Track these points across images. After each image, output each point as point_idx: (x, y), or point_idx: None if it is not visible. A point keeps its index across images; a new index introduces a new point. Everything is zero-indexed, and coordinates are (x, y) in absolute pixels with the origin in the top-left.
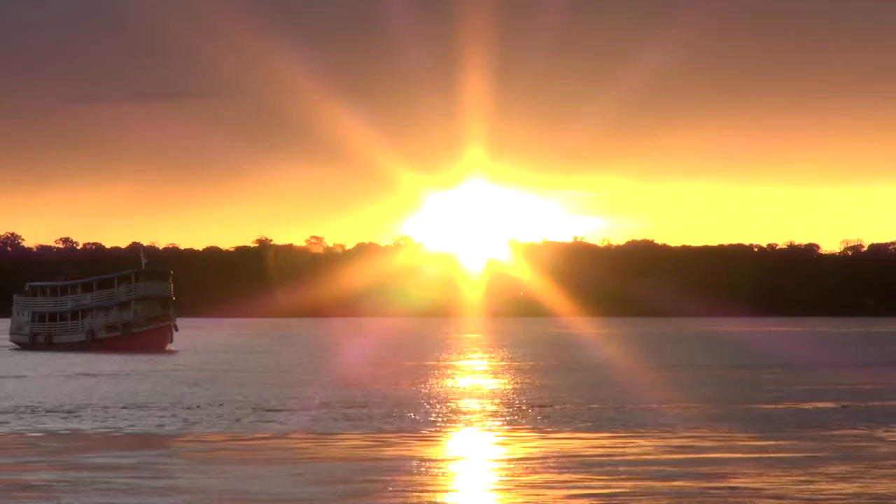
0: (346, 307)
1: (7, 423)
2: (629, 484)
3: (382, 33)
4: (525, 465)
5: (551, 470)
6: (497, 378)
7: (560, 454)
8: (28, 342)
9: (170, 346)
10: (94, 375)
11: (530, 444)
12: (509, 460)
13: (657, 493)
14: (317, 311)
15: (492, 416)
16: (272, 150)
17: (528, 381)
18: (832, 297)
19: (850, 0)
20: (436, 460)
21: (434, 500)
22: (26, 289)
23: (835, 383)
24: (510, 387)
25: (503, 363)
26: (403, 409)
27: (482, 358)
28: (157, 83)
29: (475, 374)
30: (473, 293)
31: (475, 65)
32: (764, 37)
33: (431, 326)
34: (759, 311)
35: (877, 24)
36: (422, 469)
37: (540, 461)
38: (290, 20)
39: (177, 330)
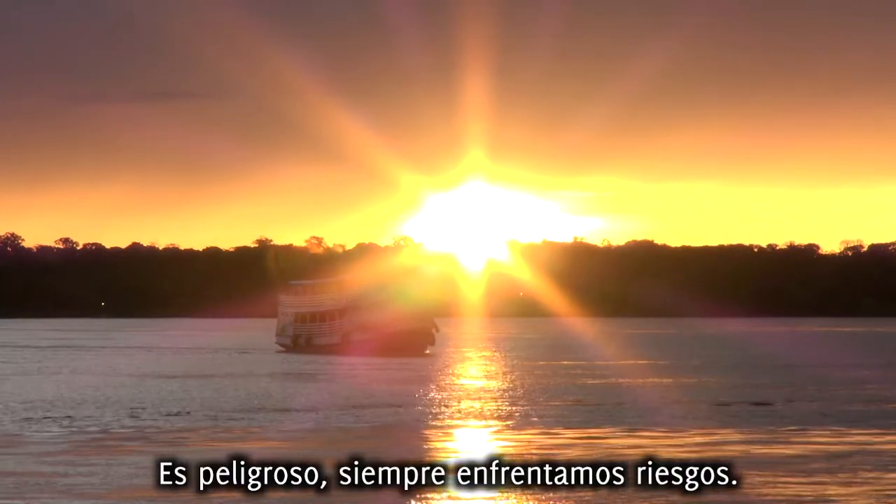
0: None
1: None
2: None
3: (382, 33)
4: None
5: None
6: (695, 380)
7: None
8: (290, 344)
9: (429, 350)
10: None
11: (822, 442)
12: (811, 456)
13: None
14: None
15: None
16: (272, 150)
17: (720, 382)
18: (832, 297)
19: (850, 0)
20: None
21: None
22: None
23: None
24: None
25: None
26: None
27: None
28: (157, 83)
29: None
30: (473, 293)
31: (475, 65)
32: (764, 37)
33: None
34: (759, 311)
35: (877, 24)
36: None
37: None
38: (290, 20)
39: (437, 331)
